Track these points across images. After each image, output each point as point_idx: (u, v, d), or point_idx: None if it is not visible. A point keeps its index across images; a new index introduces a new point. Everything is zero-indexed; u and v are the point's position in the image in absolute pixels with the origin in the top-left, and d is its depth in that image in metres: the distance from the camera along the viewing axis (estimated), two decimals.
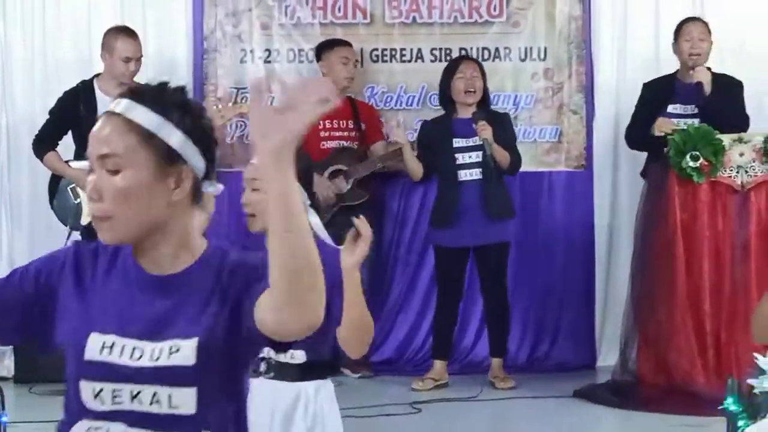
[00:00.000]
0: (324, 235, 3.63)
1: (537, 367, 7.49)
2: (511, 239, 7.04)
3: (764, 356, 5.07)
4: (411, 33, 7.71)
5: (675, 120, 6.73)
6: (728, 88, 6.82)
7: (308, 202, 3.76)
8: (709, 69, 6.84)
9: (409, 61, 7.68)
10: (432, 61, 7.67)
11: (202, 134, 2.30)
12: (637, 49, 7.58)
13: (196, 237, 2.32)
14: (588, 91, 7.70)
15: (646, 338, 6.38)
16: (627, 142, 7.09)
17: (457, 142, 6.91)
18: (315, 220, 3.69)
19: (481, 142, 6.78)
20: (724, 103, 6.67)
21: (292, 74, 7.67)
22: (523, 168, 7.54)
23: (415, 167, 7.00)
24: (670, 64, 7.20)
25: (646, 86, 7.01)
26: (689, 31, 6.85)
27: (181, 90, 2.32)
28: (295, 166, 2.04)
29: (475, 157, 6.86)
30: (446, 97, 7.04)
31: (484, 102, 7.06)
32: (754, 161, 6.32)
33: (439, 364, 7.01)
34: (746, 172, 6.32)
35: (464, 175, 6.88)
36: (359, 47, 7.67)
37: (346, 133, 7.34)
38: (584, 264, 7.68)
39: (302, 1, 7.70)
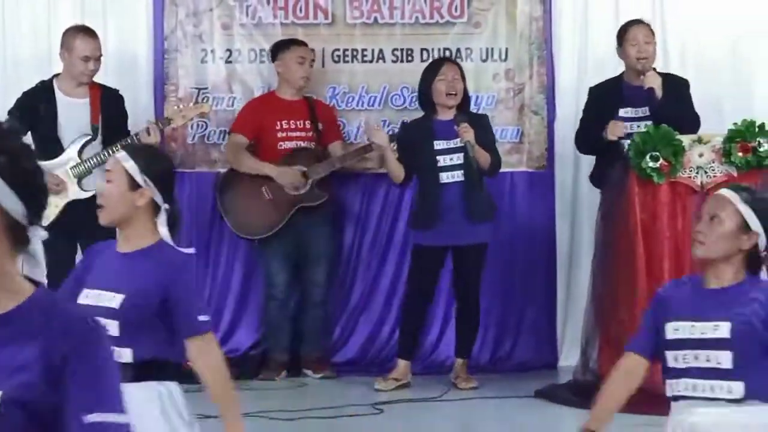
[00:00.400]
0: (170, 242, 3.74)
1: (499, 368, 7.51)
2: (490, 240, 7.04)
3: None
4: (372, 33, 7.71)
5: (627, 124, 6.75)
6: (677, 89, 6.87)
7: (166, 206, 3.74)
8: (655, 70, 6.88)
9: (371, 61, 7.68)
10: (393, 61, 7.67)
11: (20, 175, 2.14)
12: (598, 50, 7.60)
13: (17, 281, 2.17)
14: (549, 91, 7.73)
15: (607, 338, 6.39)
16: (577, 146, 7.12)
17: (438, 144, 6.88)
18: (164, 230, 3.74)
19: (463, 144, 6.76)
20: (676, 105, 6.71)
21: (253, 74, 7.65)
22: None
23: (396, 169, 6.97)
24: None
25: (593, 90, 7.03)
26: (635, 35, 6.88)
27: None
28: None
29: (456, 159, 6.85)
30: (427, 99, 7.01)
31: (464, 104, 7.05)
32: (713, 162, 6.34)
33: (402, 364, 7.00)
34: (705, 172, 6.35)
35: (446, 177, 6.85)
36: (321, 47, 7.67)
37: (303, 134, 7.32)
38: (546, 264, 7.71)
39: (263, 1, 7.68)
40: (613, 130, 6.64)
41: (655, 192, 6.34)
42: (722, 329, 3.66)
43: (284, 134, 7.29)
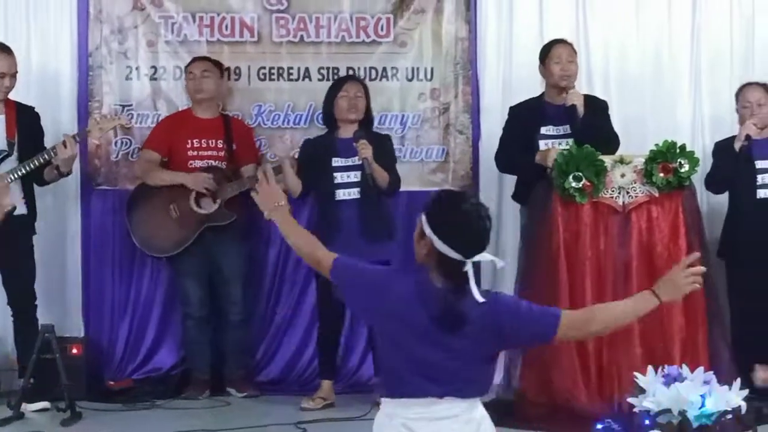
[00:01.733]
0: None
1: None
2: (392, 258, 7.02)
3: (644, 375, 5.15)
4: (298, 52, 7.71)
5: (549, 141, 6.79)
6: (596, 109, 6.94)
7: None
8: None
9: (297, 79, 7.67)
10: (319, 80, 7.67)
11: None
12: (522, 70, 7.65)
13: None
14: (474, 111, 7.78)
15: (530, 357, 6.41)
16: (497, 165, 7.14)
17: (337, 162, 6.89)
18: None
19: (361, 162, 6.78)
20: (596, 124, 6.78)
21: (178, 92, 7.62)
22: (410, 187, 7.59)
23: (293, 184, 6.94)
24: None
25: (514, 109, 7.07)
26: (558, 54, 6.94)
27: None
28: None
29: (354, 176, 6.85)
30: (330, 116, 7.03)
31: (368, 122, 7.06)
32: (635, 182, 6.40)
33: (326, 384, 6.99)
34: (627, 192, 6.41)
35: (342, 194, 6.85)
36: (246, 65, 7.66)
37: (215, 153, 7.29)
38: None
39: (189, 18, 7.66)
40: (546, 157, 6.63)
41: (578, 212, 6.38)
42: None
43: (195, 153, 7.27)
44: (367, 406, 6.79)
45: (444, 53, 7.75)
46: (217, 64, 7.44)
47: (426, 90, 7.76)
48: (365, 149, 6.73)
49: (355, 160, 6.82)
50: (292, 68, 7.70)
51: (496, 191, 7.66)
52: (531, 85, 7.40)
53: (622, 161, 6.43)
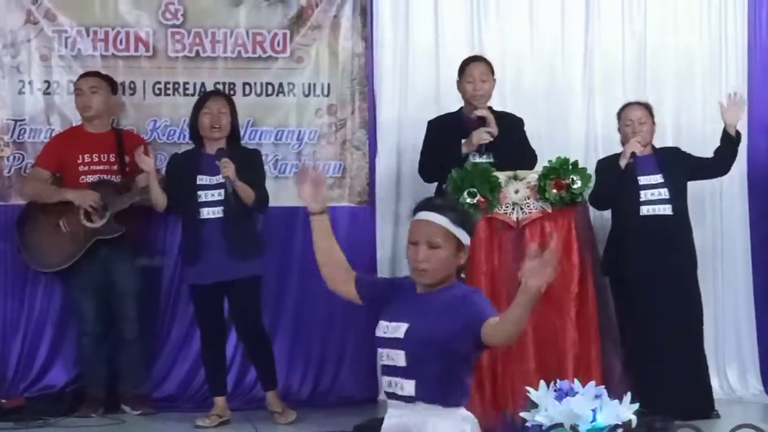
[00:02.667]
0: None
1: (320, 402, 7.51)
2: (261, 273, 7.00)
3: (536, 390, 5.19)
4: (194, 67, 7.68)
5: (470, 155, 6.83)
6: (511, 126, 7.01)
7: None
8: (490, 108, 7.00)
9: (193, 94, 7.62)
10: None
11: None
12: (419, 86, 7.71)
13: None
14: (371, 127, 7.80)
15: None
16: (422, 177, 7.11)
17: (201, 179, 6.83)
18: None
19: (224, 180, 6.75)
20: (511, 141, 6.83)
21: (72, 106, 7.54)
22: None
23: (158, 197, 6.88)
24: (450, 101, 7.34)
25: (433, 123, 7.10)
26: (471, 73, 6.99)
27: None
28: None
29: (218, 195, 6.80)
30: (195, 132, 6.98)
31: (235, 138, 7.02)
32: (528, 198, 6.47)
33: (220, 401, 6.95)
34: (521, 208, 6.47)
35: (206, 212, 6.80)
36: (142, 80, 7.61)
37: (107, 167, 7.23)
38: None
39: (83, 32, 7.59)
40: (477, 135, 6.71)
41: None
42: (400, 330, 3.90)
43: (86, 168, 7.20)
44: (261, 423, 6.79)
45: (341, 69, 7.77)
46: (107, 79, 7.37)
47: (323, 106, 7.77)
48: (227, 167, 6.69)
49: (220, 178, 6.77)
50: (187, 83, 7.67)
51: (393, 206, 7.69)
52: (427, 101, 7.47)
53: (516, 177, 6.49)
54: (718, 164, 7.16)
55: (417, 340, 3.84)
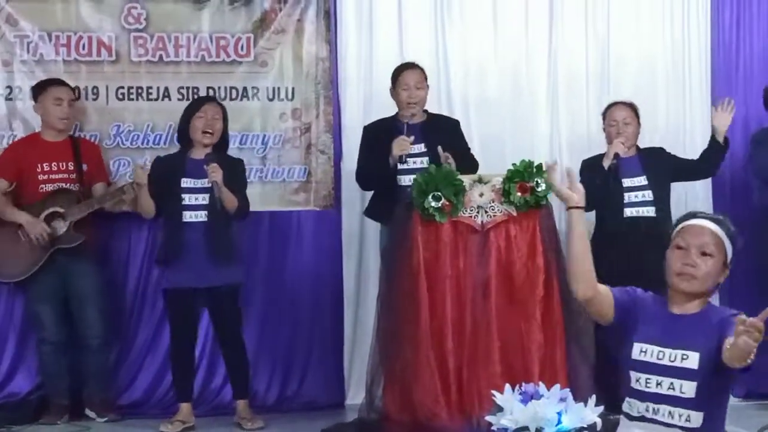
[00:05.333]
0: None
1: (286, 407, 7.49)
2: (242, 281, 6.99)
3: (501, 393, 5.19)
4: (158, 71, 7.63)
5: (410, 159, 6.82)
6: (447, 129, 7.03)
7: None
8: (426, 111, 7.05)
9: (156, 99, 7.59)
10: (179, 99, 7.58)
11: None
12: (383, 90, 7.66)
13: None
14: (335, 131, 7.78)
15: (392, 376, 6.43)
16: (359, 184, 7.14)
17: (186, 182, 6.83)
18: None
19: (210, 185, 6.73)
20: (446, 144, 6.84)
21: (34, 112, 7.48)
22: (272, 208, 7.60)
23: (148, 206, 6.89)
24: None
25: (369, 128, 7.10)
26: (406, 80, 7.00)
27: None
28: None
29: (202, 199, 6.80)
30: (184, 136, 6.97)
31: (223, 145, 7.02)
32: (493, 201, 6.47)
33: (185, 407, 6.93)
34: (486, 212, 6.47)
35: (190, 216, 6.79)
36: (104, 85, 7.55)
37: (65, 175, 7.17)
38: (333, 302, 7.73)
39: (45, 37, 7.53)
40: (398, 146, 6.70)
41: (438, 231, 6.43)
42: (691, 359, 3.81)
43: (45, 176, 7.15)
44: (226, 430, 6.77)
45: (305, 73, 7.75)
46: (72, 88, 7.34)
47: (287, 110, 7.75)
48: (215, 173, 6.70)
49: (205, 182, 6.78)
50: (151, 88, 7.62)
51: (358, 211, 7.67)
52: (391, 105, 7.43)
53: (480, 181, 6.49)
54: (704, 165, 7.18)
55: (710, 372, 3.78)
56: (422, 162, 6.74)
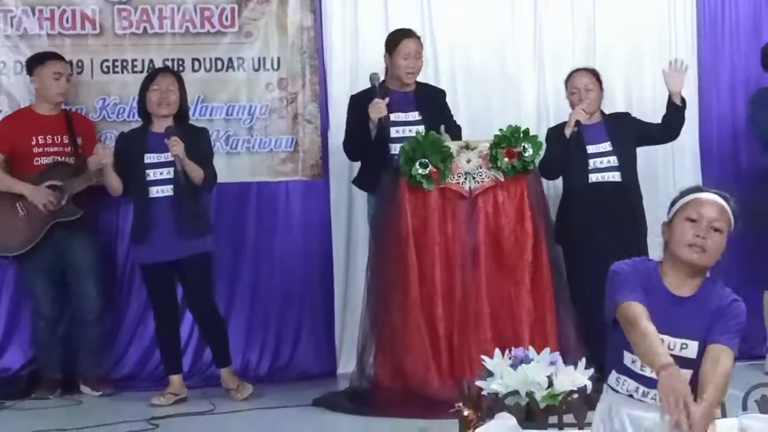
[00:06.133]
0: None
1: (278, 377, 7.51)
2: (210, 250, 6.95)
3: (492, 359, 5.21)
4: (142, 43, 7.60)
5: (399, 128, 6.79)
6: (433, 98, 7.02)
7: None
8: (416, 82, 7.04)
9: (141, 71, 7.53)
10: None
11: None
12: (369, 59, 7.66)
13: None
14: (322, 101, 7.77)
15: (382, 344, 6.44)
16: (347, 154, 7.11)
17: (149, 158, 6.78)
18: None
19: (173, 158, 6.71)
20: (432, 113, 6.84)
21: (20, 86, 7.46)
22: (260, 178, 7.60)
23: (114, 183, 6.84)
24: None
25: (355, 98, 7.04)
26: (407, 50, 6.94)
27: None
28: None
29: (167, 173, 6.75)
30: (143, 110, 6.93)
31: (183, 116, 6.97)
32: (480, 167, 6.47)
33: (175, 379, 6.93)
34: (473, 178, 6.47)
35: (156, 191, 6.74)
36: (89, 58, 7.54)
37: (60, 149, 7.16)
38: (323, 272, 7.74)
39: (28, 11, 7.50)
40: (374, 110, 6.66)
41: (425, 198, 6.43)
42: (690, 349, 3.83)
43: (41, 149, 7.13)
44: (218, 400, 6.77)
45: (290, 43, 7.72)
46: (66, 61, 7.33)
47: (273, 80, 7.73)
48: (176, 146, 6.66)
49: (168, 156, 6.72)
50: (136, 60, 7.60)
51: (346, 180, 7.66)
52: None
53: (467, 147, 6.49)
54: (666, 130, 7.15)
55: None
56: (417, 131, 6.68)
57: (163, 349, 7.03)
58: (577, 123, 6.94)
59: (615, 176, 6.96)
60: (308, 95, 7.75)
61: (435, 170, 6.38)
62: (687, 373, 3.76)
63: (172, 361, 6.99)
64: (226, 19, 7.66)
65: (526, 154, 6.43)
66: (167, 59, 7.58)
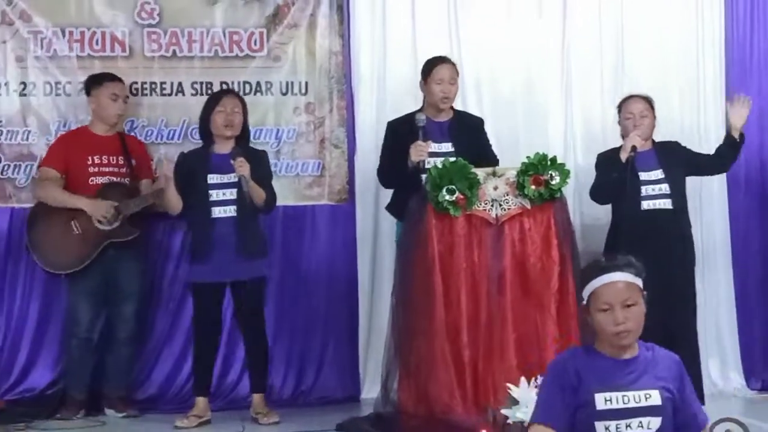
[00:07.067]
0: None
1: (301, 401, 7.50)
2: (267, 274, 7.01)
3: (517, 386, 5.20)
4: (171, 66, 7.64)
5: (432, 159, 6.78)
6: (471, 127, 7.01)
7: None
8: (453, 109, 7.03)
9: (170, 94, 7.60)
10: (193, 94, 7.62)
11: None
12: (396, 84, 7.70)
13: None
14: (349, 125, 7.78)
15: (407, 369, 6.42)
16: (380, 181, 7.09)
17: (212, 178, 6.83)
18: None
19: (237, 179, 6.74)
20: (469, 143, 6.83)
21: (49, 108, 7.51)
22: (286, 202, 7.61)
23: (175, 202, 6.89)
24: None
25: (393, 125, 7.04)
26: (441, 75, 6.95)
27: None
28: None
29: (230, 194, 6.80)
30: (206, 131, 6.97)
31: (244, 138, 7.02)
32: (507, 194, 6.46)
33: (201, 401, 6.93)
34: (500, 205, 6.46)
35: (218, 212, 6.79)
36: None
37: (115, 169, 7.20)
38: (348, 296, 7.74)
39: (58, 33, 7.55)
40: (415, 152, 6.66)
41: (452, 224, 6.42)
42: (654, 397, 3.90)
43: (96, 169, 7.16)
44: (241, 424, 6.77)
45: (318, 67, 7.75)
46: (123, 82, 7.37)
47: (301, 104, 7.75)
48: (242, 167, 6.69)
49: (231, 177, 6.77)
50: (164, 83, 7.64)
51: (372, 204, 7.68)
52: (405, 100, 7.44)
53: (494, 174, 6.48)
54: (717, 162, 7.14)
55: (669, 402, 3.91)
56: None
57: (197, 369, 7.02)
58: (633, 148, 6.92)
59: (666, 203, 6.94)
60: (335, 120, 7.77)
61: (462, 197, 6.37)
62: (656, 421, 3.85)
63: (203, 383, 6.98)
64: (255, 43, 7.69)
65: (553, 182, 6.42)
66: (196, 82, 7.62)
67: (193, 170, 6.87)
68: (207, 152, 6.94)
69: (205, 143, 7.01)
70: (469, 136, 6.94)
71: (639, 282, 3.97)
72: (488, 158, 6.86)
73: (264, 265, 6.94)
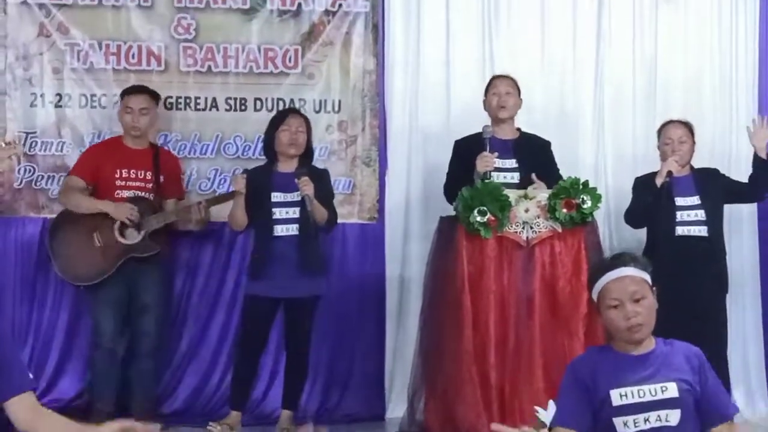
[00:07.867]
0: None
1: (327, 419, 7.49)
2: (323, 293, 7.01)
3: (545, 409, 5.19)
4: (206, 82, 7.68)
5: (497, 174, 6.76)
6: (537, 149, 7.01)
7: None
8: (518, 129, 7.05)
9: (204, 109, 7.64)
10: (227, 110, 7.66)
11: None
12: (429, 103, 7.72)
13: None
14: (381, 144, 7.80)
15: (434, 390, 6.44)
16: (446, 197, 6.96)
17: (276, 197, 6.83)
18: None
19: (301, 198, 6.74)
20: (535, 164, 6.82)
21: (84, 120, 7.55)
22: None
23: (241, 216, 6.89)
24: (460, 119, 7.38)
25: (460, 143, 7.02)
26: (496, 87, 6.98)
27: None
28: None
29: (293, 212, 6.80)
30: (270, 148, 6.99)
31: (308, 156, 7.03)
32: (538, 217, 6.47)
33: (234, 414, 6.93)
34: (531, 227, 6.47)
35: (280, 230, 6.78)
36: None
37: (142, 184, 7.20)
38: (375, 315, 7.74)
39: (95, 46, 7.60)
40: (481, 163, 6.64)
41: (483, 246, 6.43)
42: (671, 390, 3.92)
43: (123, 182, 7.17)
44: None
45: (352, 85, 7.78)
46: (154, 96, 7.35)
47: (333, 122, 7.78)
48: (307, 186, 6.68)
49: (295, 196, 6.77)
50: (199, 98, 7.68)
51: (402, 224, 7.69)
52: (437, 119, 7.46)
53: (526, 197, 6.50)
54: (751, 190, 7.12)
55: (688, 394, 3.93)
56: (513, 177, 6.72)
57: (238, 382, 7.02)
58: (669, 174, 6.91)
59: (702, 230, 6.92)
60: (368, 138, 7.80)
61: (493, 218, 6.38)
62: (675, 414, 3.87)
63: (241, 396, 6.99)
64: (290, 60, 7.73)
65: (585, 206, 6.43)
66: (230, 98, 7.66)
67: (256, 188, 6.88)
68: (270, 170, 6.95)
69: (269, 161, 7.02)
70: (534, 155, 6.92)
71: (646, 276, 4.01)
72: (554, 178, 6.80)
73: (323, 283, 6.94)
